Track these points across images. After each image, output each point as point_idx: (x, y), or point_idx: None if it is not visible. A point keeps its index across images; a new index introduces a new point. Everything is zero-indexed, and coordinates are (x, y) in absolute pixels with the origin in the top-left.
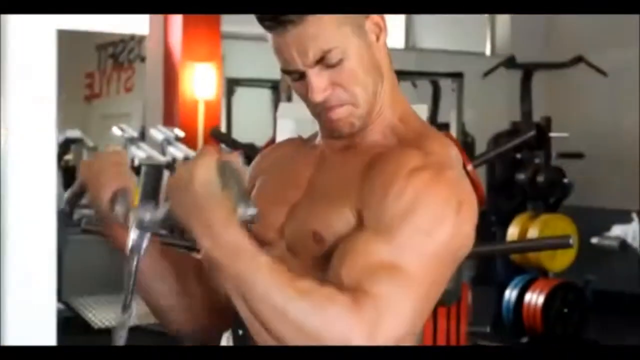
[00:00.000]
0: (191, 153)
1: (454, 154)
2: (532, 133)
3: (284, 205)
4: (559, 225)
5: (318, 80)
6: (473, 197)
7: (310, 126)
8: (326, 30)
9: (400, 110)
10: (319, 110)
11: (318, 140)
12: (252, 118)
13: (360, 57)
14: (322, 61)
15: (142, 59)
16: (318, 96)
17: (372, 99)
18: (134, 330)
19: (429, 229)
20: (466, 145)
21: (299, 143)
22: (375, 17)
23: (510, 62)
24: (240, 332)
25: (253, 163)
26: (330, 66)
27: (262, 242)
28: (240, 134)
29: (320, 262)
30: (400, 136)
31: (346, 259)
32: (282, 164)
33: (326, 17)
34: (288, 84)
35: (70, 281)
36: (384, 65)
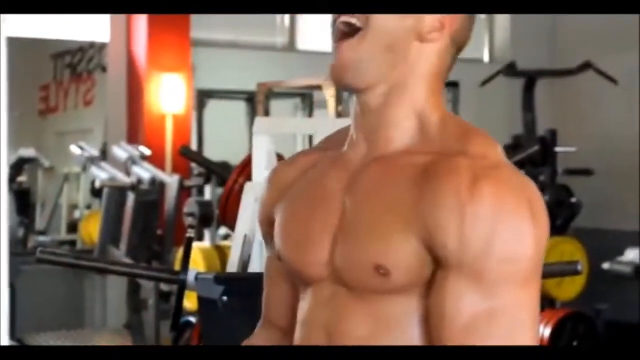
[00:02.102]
0: (159, 173)
1: (499, 149)
2: (536, 148)
3: (325, 235)
4: (567, 249)
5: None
6: (534, 187)
7: (289, 142)
8: None
9: (440, 113)
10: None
11: (345, 148)
12: (225, 134)
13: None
14: None
15: (103, 69)
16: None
17: (381, 58)
18: None
19: (514, 250)
20: None
21: (317, 154)
22: (445, 17)
23: (511, 70)
24: None
25: (267, 189)
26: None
27: (305, 281)
28: (213, 152)
29: (381, 298)
30: (441, 140)
31: (445, 325)
32: (304, 184)
33: None
34: (264, 95)
35: (24, 316)
36: (425, 60)
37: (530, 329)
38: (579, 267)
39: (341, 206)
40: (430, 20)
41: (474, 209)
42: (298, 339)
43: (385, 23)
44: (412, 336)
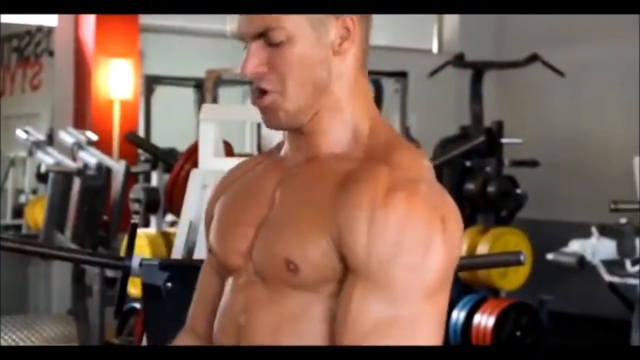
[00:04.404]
0: (105, 159)
1: (425, 164)
2: (482, 138)
3: (249, 227)
4: (511, 240)
5: (255, 52)
6: (452, 205)
7: (236, 130)
8: None
9: (371, 121)
10: (253, 96)
11: (282, 152)
12: (173, 120)
13: (305, 49)
14: (264, 37)
15: (51, 53)
16: (247, 67)
17: (308, 98)
18: None
19: (421, 261)
20: None
21: (261, 159)
22: (347, 21)
23: (459, 61)
24: None
25: (212, 190)
26: (272, 45)
27: (227, 269)
28: (160, 138)
29: (291, 291)
30: (367, 148)
31: (346, 329)
32: (242, 182)
33: None
34: (213, 82)
35: None
36: (345, 71)
37: (429, 341)
38: (522, 258)
39: (270, 202)
40: (340, 29)
41: (385, 216)
42: (215, 328)
43: (300, 67)
44: (314, 332)
